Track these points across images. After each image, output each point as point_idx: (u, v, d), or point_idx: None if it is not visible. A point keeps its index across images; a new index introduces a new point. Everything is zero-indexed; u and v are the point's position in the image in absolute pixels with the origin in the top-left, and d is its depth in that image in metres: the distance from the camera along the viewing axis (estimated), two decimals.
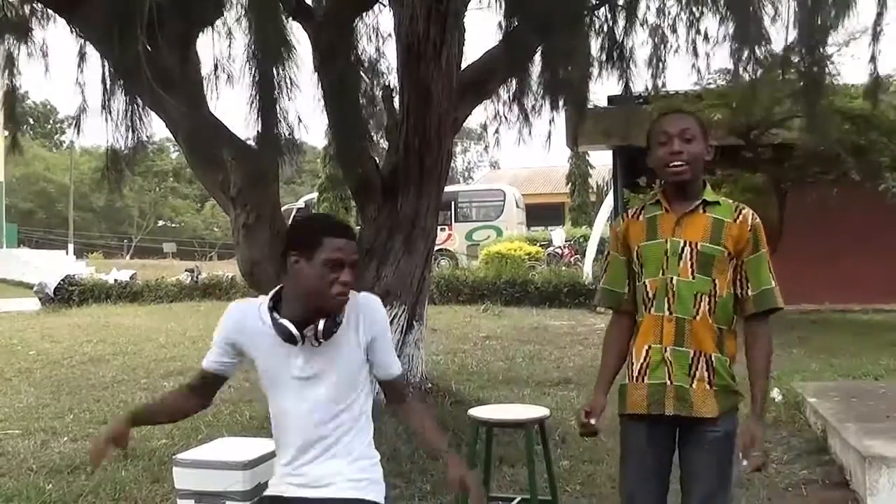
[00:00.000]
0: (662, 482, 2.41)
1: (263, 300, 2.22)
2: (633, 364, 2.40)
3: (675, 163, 2.33)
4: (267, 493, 2.31)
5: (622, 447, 2.47)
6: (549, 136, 6.99)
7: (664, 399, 2.33)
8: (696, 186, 2.39)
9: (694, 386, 2.31)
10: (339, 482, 2.18)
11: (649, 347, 2.36)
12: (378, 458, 2.27)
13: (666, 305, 2.33)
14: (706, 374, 2.31)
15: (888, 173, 9.51)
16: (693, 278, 2.32)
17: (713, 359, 2.32)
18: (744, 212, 2.37)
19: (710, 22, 6.43)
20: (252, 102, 4.50)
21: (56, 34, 5.92)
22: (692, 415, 2.31)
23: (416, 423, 2.31)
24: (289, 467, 2.23)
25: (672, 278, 2.33)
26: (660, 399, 2.33)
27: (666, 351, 2.33)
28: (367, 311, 2.23)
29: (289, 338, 2.14)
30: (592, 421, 2.45)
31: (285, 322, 2.14)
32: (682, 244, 2.34)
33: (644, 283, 2.39)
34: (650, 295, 2.37)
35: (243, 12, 4.27)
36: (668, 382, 2.33)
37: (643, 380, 2.36)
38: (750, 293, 2.34)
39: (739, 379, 2.39)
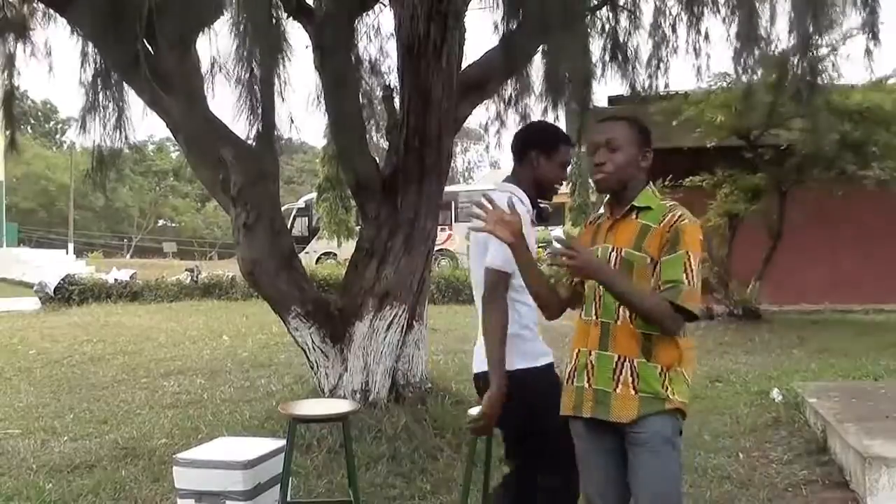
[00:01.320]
0: (616, 487, 2.37)
1: (513, 187, 2.89)
2: (566, 367, 2.45)
3: (598, 175, 2.38)
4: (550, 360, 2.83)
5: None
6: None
7: (583, 402, 2.35)
8: (631, 192, 2.39)
9: (618, 390, 2.30)
10: None
11: (578, 351, 2.40)
12: None
13: (593, 310, 2.37)
14: (630, 379, 2.29)
15: (875, 162, 9.51)
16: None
17: (636, 364, 2.29)
18: (670, 215, 2.33)
19: (710, 22, 6.44)
20: (251, 102, 4.51)
21: (57, 34, 5.93)
22: (609, 419, 2.30)
23: None
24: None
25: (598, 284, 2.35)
26: (580, 402, 2.36)
27: (591, 355, 2.35)
28: None
29: (540, 218, 2.86)
30: None
31: (545, 204, 2.92)
32: (610, 250, 2.36)
33: (581, 284, 2.47)
34: (583, 299, 2.44)
35: (241, 13, 4.25)
36: (587, 386, 2.35)
37: (572, 383, 2.40)
38: (660, 287, 2.27)
39: (692, 388, 2.35)
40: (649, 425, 2.27)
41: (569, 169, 2.96)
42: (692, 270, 2.27)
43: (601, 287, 2.32)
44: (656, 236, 2.30)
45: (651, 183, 2.45)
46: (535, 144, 2.90)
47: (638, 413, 2.27)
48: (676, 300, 2.24)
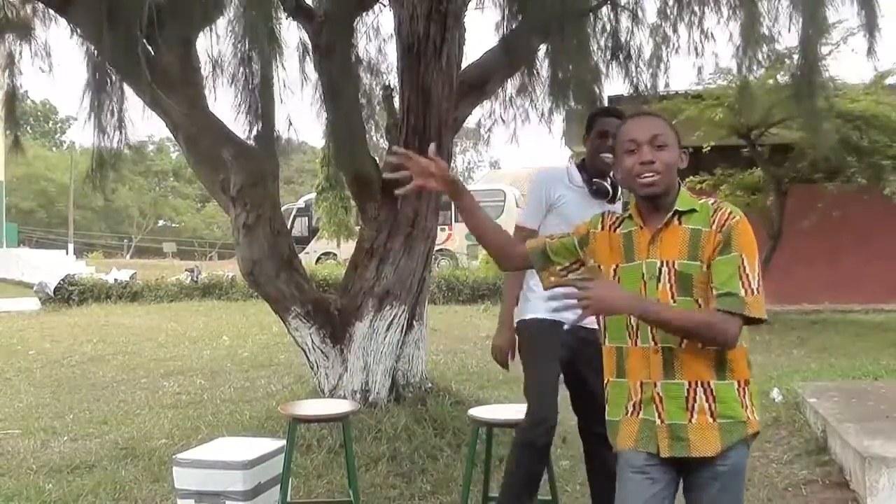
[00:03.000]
0: None
1: (570, 166, 3.22)
2: (629, 398, 2.16)
3: (647, 175, 2.10)
4: (533, 316, 3.14)
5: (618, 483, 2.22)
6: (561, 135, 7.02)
7: (655, 438, 2.09)
8: (671, 197, 2.13)
9: (694, 421, 2.05)
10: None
11: (641, 383, 2.12)
12: None
13: (650, 335, 2.09)
14: (706, 406, 2.05)
15: (892, 175, 9.50)
16: (674, 302, 2.06)
17: (713, 386, 2.05)
18: (720, 213, 2.07)
19: (711, 22, 6.43)
20: (251, 103, 4.51)
21: (57, 34, 5.93)
22: (691, 455, 2.06)
23: None
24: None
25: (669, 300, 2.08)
26: (648, 437, 2.10)
27: (656, 386, 2.08)
28: None
29: (602, 192, 3.10)
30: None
31: (599, 181, 3.11)
32: (658, 265, 2.09)
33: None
34: (634, 324, 2.12)
35: (241, 13, 4.26)
36: (659, 422, 2.09)
37: (637, 415, 2.14)
38: (715, 293, 2.02)
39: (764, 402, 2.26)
40: (730, 457, 2.05)
41: (609, 138, 2.93)
42: (748, 275, 2.00)
43: None
44: (709, 240, 2.04)
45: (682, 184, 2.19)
46: (585, 125, 3.24)
47: (721, 445, 2.04)
48: (741, 311, 1.99)
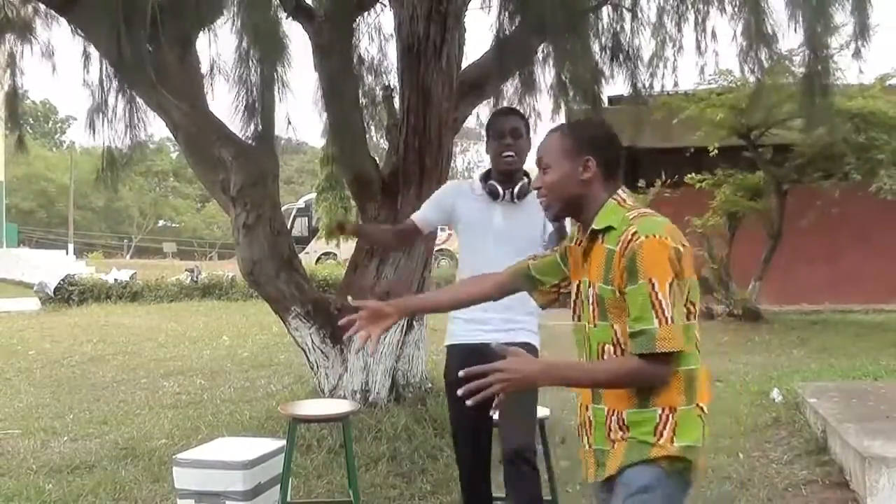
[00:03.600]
0: None
1: (475, 177, 3.13)
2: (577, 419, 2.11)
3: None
4: (452, 343, 3.09)
5: None
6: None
7: (587, 464, 2.04)
8: (587, 214, 1.99)
9: (613, 448, 1.95)
10: (519, 329, 2.89)
11: (580, 405, 2.06)
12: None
13: (585, 357, 2.02)
14: (620, 434, 1.93)
15: (884, 170, 9.51)
16: (595, 325, 1.97)
17: (625, 416, 1.92)
18: (626, 232, 1.89)
19: (712, 21, 6.43)
20: (251, 102, 4.51)
21: (57, 34, 5.94)
22: (605, 476, 1.98)
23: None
24: (474, 313, 2.81)
25: (585, 326, 2.01)
26: (586, 465, 2.05)
27: (588, 410, 2.01)
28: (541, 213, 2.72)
29: (494, 192, 2.99)
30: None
31: (493, 182, 3.02)
32: (588, 286, 1.99)
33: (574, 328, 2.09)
34: (585, 344, 2.04)
35: (241, 12, 4.26)
36: (587, 446, 2.02)
37: (582, 443, 2.07)
38: (629, 331, 1.87)
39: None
40: (627, 475, 1.91)
41: (507, 136, 3.00)
42: (660, 301, 1.82)
43: (587, 331, 1.99)
44: (617, 263, 1.89)
45: (620, 193, 2.00)
46: (486, 128, 3.21)
47: (620, 463, 1.92)
48: (653, 349, 1.83)
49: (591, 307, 1.97)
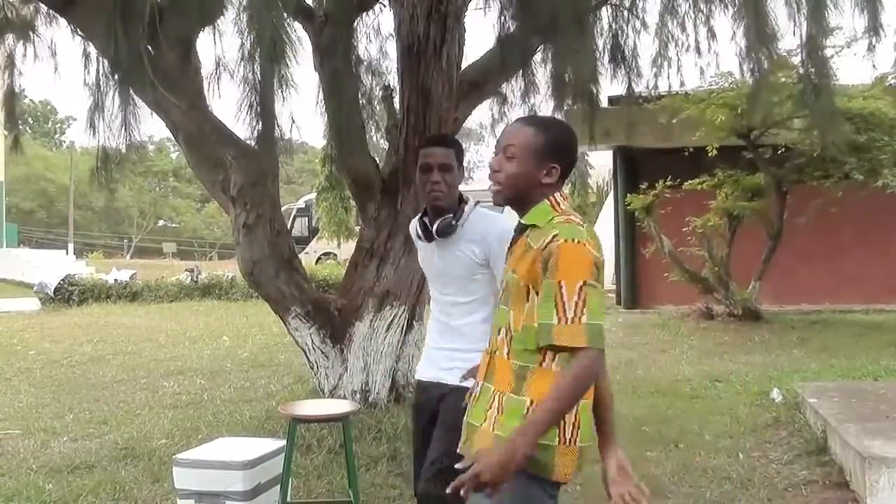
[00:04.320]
0: None
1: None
2: None
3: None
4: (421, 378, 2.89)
5: None
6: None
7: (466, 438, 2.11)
8: (525, 209, 2.07)
9: (482, 426, 2.02)
10: (460, 368, 2.62)
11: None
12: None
13: (493, 336, 2.13)
14: (494, 416, 2.00)
15: (887, 170, 9.52)
16: (499, 309, 2.11)
17: (504, 399, 1.99)
18: (552, 234, 1.96)
19: (712, 21, 6.43)
20: (250, 102, 4.51)
21: (57, 34, 5.93)
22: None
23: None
24: (427, 349, 2.86)
25: (499, 307, 2.13)
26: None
27: (478, 386, 2.12)
28: (491, 240, 2.65)
29: (417, 237, 2.81)
30: None
31: (414, 224, 2.83)
32: (510, 274, 2.08)
33: None
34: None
35: (243, 11, 4.26)
36: (466, 421, 2.12)
37: None
38: (536, 325, 1.97)
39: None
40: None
41: (433, 171, 2.72)
42: (565, 302, 1.90)
43: (499, 311, 2.10)
44: (530, 258, 1.98)
45: (556, 195, 2.07)
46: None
47: None
48: (550, 342, 1.91)
49: (506, 293, 2.08)
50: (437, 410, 2.72)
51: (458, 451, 2.10)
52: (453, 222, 2.71)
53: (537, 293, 1.97)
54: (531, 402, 1.94)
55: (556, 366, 1.94)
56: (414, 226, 2.85)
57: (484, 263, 2.68)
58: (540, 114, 6.70)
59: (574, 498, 4.09)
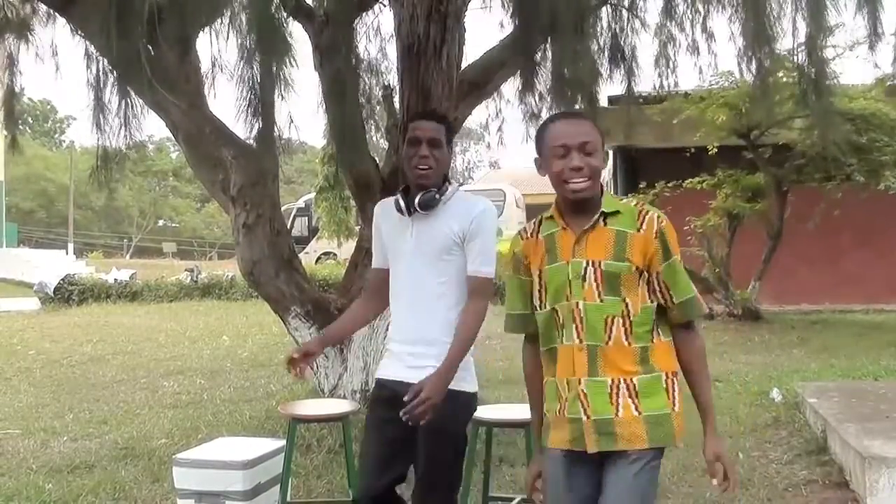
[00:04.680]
0: None
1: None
2: (558, 396, 2.18)
3: (579, 181, 2.13)
4: (377, 376, 2.75)
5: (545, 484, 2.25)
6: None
7: (583, 436, 2.12)
8: (595, 199, 2.16)
9: (620, 414, 2.09)
10: (427, 366, 2.52)
11: (567, 381, 2.15)
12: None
13: (575, 335, 2.13)
14: (630, 402, 2.09)
15: (888, 171, 9.53)
16: (601, 301, 2.11)
17: (636, 382, 2.10)
18: (647, 217, 2.13)
19: (713, 21, 6.43)
20: (250, 102, 4.50)
21: (56, 33, 5.93)
22: (618, 448, 2.09)
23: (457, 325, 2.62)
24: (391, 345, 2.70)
25: (580, 304, 2.12)
26: (578, 436, 2.13)
27: (580, 383, 2.12)
28: (474, 215, 2.59)
29: (398, 208, 2.64)
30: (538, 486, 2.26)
31: (398, 195, 2.65)
32: (584, 265, 2.12)
33: (553, 309, 2.18)
34: (561, 323, 2.16)
35: (242, 11, 4.26)
36: (585, 417, 2.11)
37: (562, 414, 2.16)
38: (675, 302, 2.15)
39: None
40: (652, 455, 2.10)
41: (421, 145, 2.62)
42: (685, 273, 2.18)
43: (581, 308, 2.12)
44: (639, 243, 2.11)
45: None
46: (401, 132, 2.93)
47: (649, 440, 2.09)
48: (699, 314, 2.18)
49: (591, 284, 2.12)
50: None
51: (592, 450, 2.11)
52: (437, 196, 2.62)
53: (650, 274, 2.13)
54: (667, 375, 2.13)
55: (665, 337, 2.16)
56: (391, 201, 2.71)
57: (459, 242, 2.60)
58: (539, 114, 6.72)
59: None
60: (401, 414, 2.43)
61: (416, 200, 2.61)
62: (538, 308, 2.23)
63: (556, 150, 2.14)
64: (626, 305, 2.11)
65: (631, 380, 2.10)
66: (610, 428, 2.09)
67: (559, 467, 2.18)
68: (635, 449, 2.08)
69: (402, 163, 2.73)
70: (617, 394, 2.10)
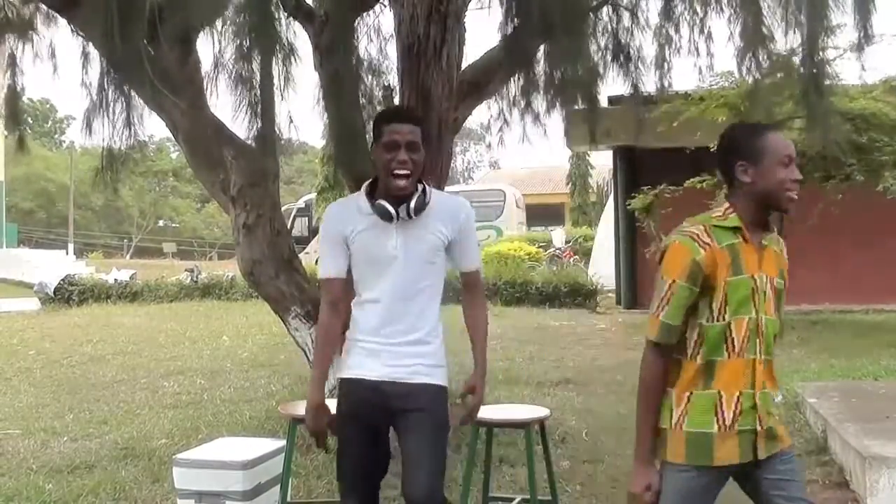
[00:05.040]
0: None
1: (359, 192, 2.61)
2: (719, 412, 2.16)
3: (794, 193, 2.18)
4: (348, 376, 2.61)
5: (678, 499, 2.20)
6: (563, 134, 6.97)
7: (756, 444, 2.18)
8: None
9: (777, 419, 2.27)
10: (418, 364, 2.57)
11: (741, 393, 2.16)
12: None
13: (757, 348, 2.18)
14: (779, 413, 2.31)
15: (888, 171, 9.52)
16: (774, 317, 2.25)
17: (775, 396, 2.30)
18: (782, 241, 2.35)
19: (713, 22, 6.43)
20: (249, 102, 4.51)
21: (57, 33, 5.93)
22: (777, 450, 2.25)
23: (469, 327, 2.81)
24: (372, 343, 2.57)
25: (762, 318, 2.20)
26: (748, 447, 2.17)
27: (756, 396, 2.18)
28: (463, 215, 2.62)
29: (385, 215, 2.50)
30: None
31: (382, 201, 2.51)
32: (765, 280, 2.22)
33: (728, 322, 2.15)
34: (737, 337, 2.15)
35: (241, 12, 4.26)
36: (760, 427, 2.18)
37: (734, 428, 2.16)
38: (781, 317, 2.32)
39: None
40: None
41: (400, 149, 2.48)
42: None
43: (764, 323, 2.19)
44: (784, 265, 2.34)
45: None
46: (373, 131, 2.69)
47: (789, 438, 2.32)
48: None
49: (770, 301, 2.23)
50: (397, 411, 2.54)
51: (763, 456, 2.19)
52: (426, 201, 2.53)
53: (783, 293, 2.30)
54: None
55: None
56: (361, 200, 2.58)
57: (446, 244, 2.60)
58: (539, 113, 6.72)
59: (574, 498, 4.09)
60: (465, 414, 2.78)
61: (412, 206, 2.50)
62: (711, 320, 2.16)
63: (783, 160, 2.17)
64: (780, 323, 2.28)
65: (775, 393, 2.27)
66: (774, 433, 2.22)
67: (696, 482, 2.18)
68: (787, 446, 2.26)
69: (378, 164, 2.56)
70: (775, 406, 2.26)
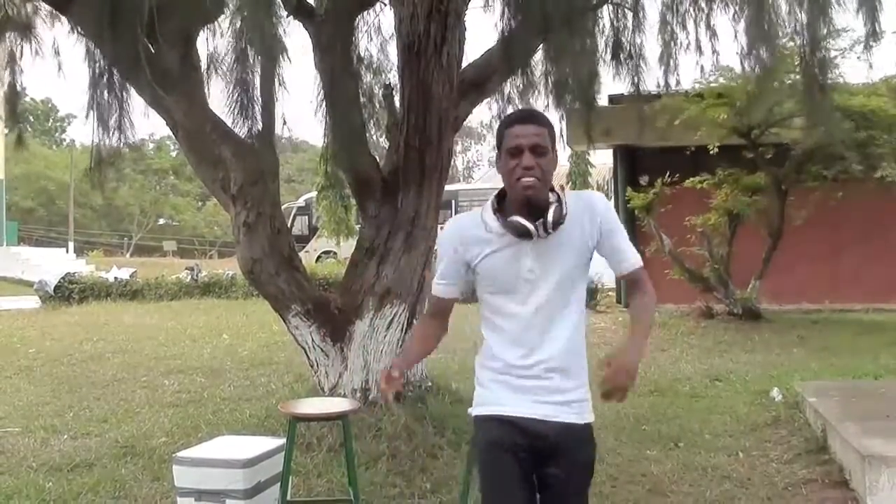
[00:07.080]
0: None
1: (485, 206, 2.29)
2: None
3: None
4: (491, 413, 2.30)
5: None
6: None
7: None
8: None
9: None
10: (570, 402, 2.24)
11: None
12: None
13: None
14: None
15: (886, 163, 9.53)
16: None
17: None
18: None
19: (713, 20, 6.43)
20: (251, 101, 4.51)
21: (57, 32, 5.93)
22: None
23: (631, 313, 2.39)
24: (509, 376, 2.27)
25: None
26: None
27: None
28: (601, 207, 2.27)
29: (523, 233, 2.19)
30: None
31: (516, 217, 2.19)
32: None
33: None
34: None
35: (241, 11, 4.26)
36: None
37: None
38: None
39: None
40: None
41: (524, 154, 2.20)
42: None
43: None
44: None
45: None
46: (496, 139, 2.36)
47: None
48: None
49: None
50: (552, 453, 2.23)
51: None
52: (564, 211, 2.20)
53: None
54: None
55: None
56: (487, 216, 2.27)
57: (592, 249, 2.27)
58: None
59: None
60: (607, 380, 2.13)
61: (549, 220, 2.18)
62: None
63: None
64: None
65: None
66: None
67: None
68: None
69: (502, 174, 2.27)
70: None
